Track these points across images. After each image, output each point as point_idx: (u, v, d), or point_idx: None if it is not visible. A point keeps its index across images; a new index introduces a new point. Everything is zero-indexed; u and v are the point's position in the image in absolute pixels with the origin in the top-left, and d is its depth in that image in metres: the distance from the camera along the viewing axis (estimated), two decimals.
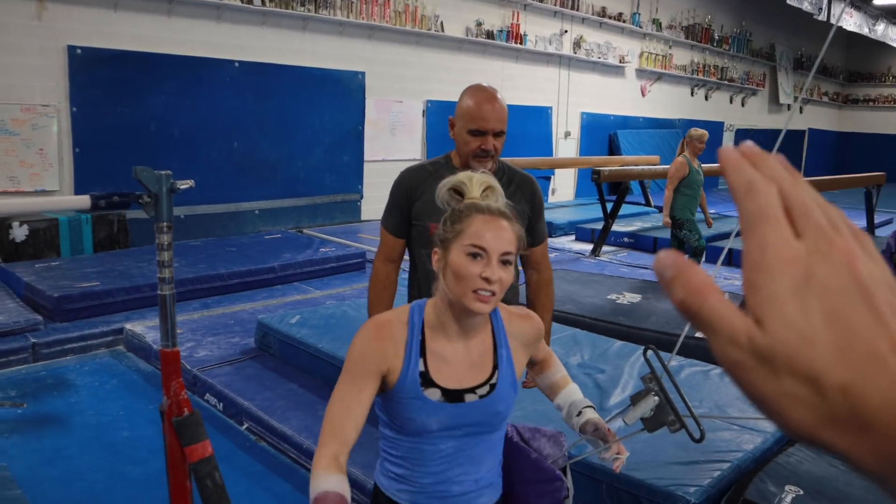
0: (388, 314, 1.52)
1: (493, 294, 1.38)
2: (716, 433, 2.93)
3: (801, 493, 2.52)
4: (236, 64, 8.07)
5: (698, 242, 5.89)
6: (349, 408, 1.36)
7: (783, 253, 0.33)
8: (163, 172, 2.02)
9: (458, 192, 1.48)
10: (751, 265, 0.34)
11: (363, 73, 9.32)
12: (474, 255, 1.37)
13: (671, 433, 1.58)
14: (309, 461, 3.21)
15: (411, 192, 2.20)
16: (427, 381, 1.41)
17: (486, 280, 1.36)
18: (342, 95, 9.13)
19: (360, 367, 1.40)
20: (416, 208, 2.19)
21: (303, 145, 8.82)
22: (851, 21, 13.85)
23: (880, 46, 18.34)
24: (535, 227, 2.28)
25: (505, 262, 1.39)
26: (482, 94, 2.15)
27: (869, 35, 15.25)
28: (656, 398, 1.55)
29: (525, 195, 2.25)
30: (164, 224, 2.04)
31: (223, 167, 8.03)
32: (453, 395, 1.42)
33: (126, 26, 7.21)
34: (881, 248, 7.06)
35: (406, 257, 2.34)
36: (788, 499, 2.50)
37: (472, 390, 1.44)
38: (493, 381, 1.46)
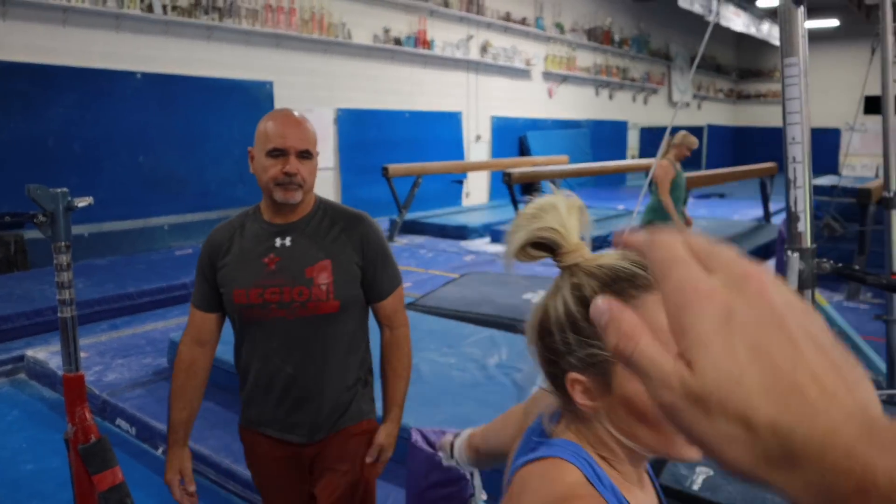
0: (569, 488, 0.82)
1: None
2: None
3: (712, 473, 2.65)
4: (138, 75, 7.80)
5: None
6: None
7: (700, 287, 0.33)
8: (58, 190, 1.95)
9: (545, 246, 0.82)
10: (673, 308, 0.34)
11: (271, 83, 9.19)
12: None
13: None
14: (229, 481, 3.15)
15: (214, 254, 1.84)
16: None
17: None
18: (251, 105, 8.97)
19: None
20: (221, 274, 1.82)
21: (212, 157, 8.61)
22: (739, 21, 14.60)
23: (767, 45, 19.41)
24: (373, 279, 1.86)
25: None
26: (280, 112, 1.83)
27: (756, 35, 16.11)
28: None
29: (352, 240, 1.83)
30: (62, 244, 1.97)
31: (129, 182, 7.74)
32: None
33: (17, 36, 6.85)
34: (774, 236, 7.43)
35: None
36: (700, 479, 2.62)
37: None
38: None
